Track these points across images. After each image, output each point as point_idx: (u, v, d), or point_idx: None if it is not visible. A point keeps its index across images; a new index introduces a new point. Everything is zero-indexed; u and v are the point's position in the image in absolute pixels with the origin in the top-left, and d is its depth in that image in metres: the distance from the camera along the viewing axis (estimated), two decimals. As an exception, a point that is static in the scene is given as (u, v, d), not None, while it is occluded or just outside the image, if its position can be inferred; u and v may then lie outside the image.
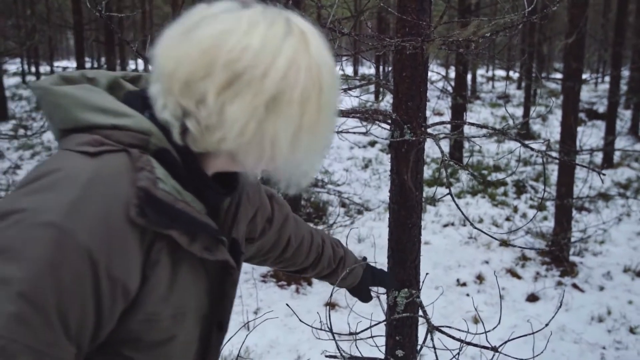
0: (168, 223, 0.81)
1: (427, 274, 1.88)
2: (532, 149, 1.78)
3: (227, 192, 0.98)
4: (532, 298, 4.94)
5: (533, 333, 1.58)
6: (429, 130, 1.88)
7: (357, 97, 2.10)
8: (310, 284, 5.08)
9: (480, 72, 27.90)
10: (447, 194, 1.62)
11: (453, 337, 1.70)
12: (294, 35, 0.83)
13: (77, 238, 0.72)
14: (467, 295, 4.97)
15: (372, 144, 11.52)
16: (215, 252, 0.91)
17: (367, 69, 27.17)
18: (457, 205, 1.60)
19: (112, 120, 0.83)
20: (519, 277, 5.38)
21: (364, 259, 1.73)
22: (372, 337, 1.88)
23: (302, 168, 0.90)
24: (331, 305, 4.36)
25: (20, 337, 0.69)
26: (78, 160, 0.79)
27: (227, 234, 1.03)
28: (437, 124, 1.87)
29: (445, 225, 6.76)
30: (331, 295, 1.59)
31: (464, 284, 5.21)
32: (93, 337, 0.79)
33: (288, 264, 1.49)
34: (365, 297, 1.73)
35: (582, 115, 14.68)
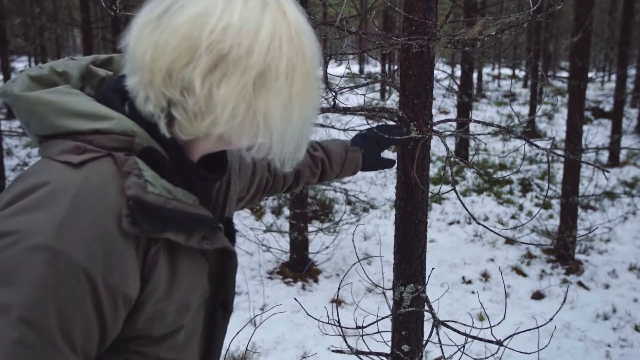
0: (162, 227, 0.80)
1: (432, 269, 1.91)
2: (538, 147, 1.80)
3: (217, 176, 0.96)
4: (538, 296, 4.95)
5: (537, 327, 1.60)
6: (435, 128, 1.91)
7: (363, 95, 2.12)
8: (316, 281, 5.11)
9: (486, 70, 27.85)
10: (451, 189, 1.65)
11: (458, 332, 1.73)
12: (271, 6, 0.80)
13: (71, 258, 0.71)
14: (473, 292, 4.99)
15: (378, 142, 11.51)
16: (214, 240, 0.90)
17: (373, 67, 27.16)
18: (461, 202, 1.62)
19: (93, 124, 0.80)
20: (524, 275, 5.39)
21: (358, 135, 1.70)
22: (378, 332, 1.91)
23: (296, 139, 0.88)
24: (337, 301, 4.40)
25: None
26: (62, 173, 0.77)
27: (220, 215, 1.03)
28: (443, 121, 1.89)
29: (451, 223, 6.78)
30: (338, 291, 1.62)
31: (470, 282, 5.23)
32: (100, 345, 0.79)
33: (271, 192, 1.50)
34: (385, 164, 1.77)
35: (588, 113, 14.65)
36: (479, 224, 1.51)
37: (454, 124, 10.70)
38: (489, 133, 1.97)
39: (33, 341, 0.69)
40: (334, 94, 1.56)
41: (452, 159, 1.70)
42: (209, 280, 0.97)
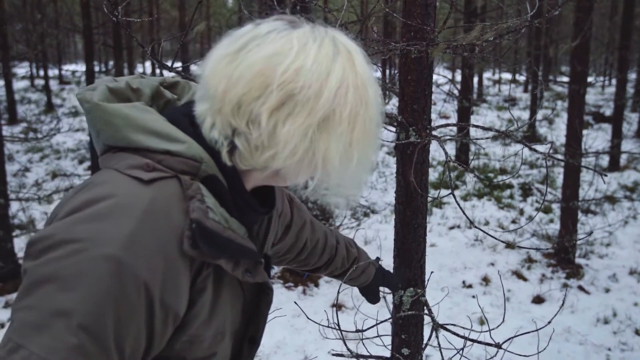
0: (217, 253, 0.82)
1: (432, 272, 1.92)
2: (536, 151, 1.82)
3: (267, 210, 0.99)
4: (538, 300, 4.95)
5: (537, 330, 1.61)
6: (434, 133, 1.92)
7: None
8: (317, 285, 5.12)
9: (487, 75, 27.89)
10: (450, 193, 1.66)
11: (458, 335, 1.74)
12: (342, 54, 0.85)
13: (135, 272, 0.73)
14: (473, 297, 4.99)
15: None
16: (255, 274, 0.93)
17: (373, 72, 27.15)
18: (460, 207, 1.64)
19: (165, 145, 0.83)
20: (524, 279, 5.40)
21: (377, 259, 1.76)
22: (378, 336, 1.92)
23: (354, 182, 0.92)
24: (338, 306, 4.40)
25: None
26: (132, 188, 0.79)
27: (260, 249, 1.06)
28: (442, 126, 1.91)
29: (452, 228, 6.78)
30: (337, 295, 1.63)
31: (470, 286, 5.23)
32: (145, 356, 0.81)
33: (301, 264, 1.53)
34: (374, 298, 1.78)
35: (588, 118, 14.67)
36: (477, 228, 1.52)
37: (455, 128, 10.72)
38: (488, 138, 1.99)
39: (90, 349, 0.70)
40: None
41: (451, 163, 1.71)
42: (243, 313, 0.99)
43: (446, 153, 1.76)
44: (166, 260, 0.77)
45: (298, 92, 0.80)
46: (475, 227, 1.52)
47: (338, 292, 1.63)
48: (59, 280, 0.71)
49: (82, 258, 0.72)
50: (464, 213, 1.55)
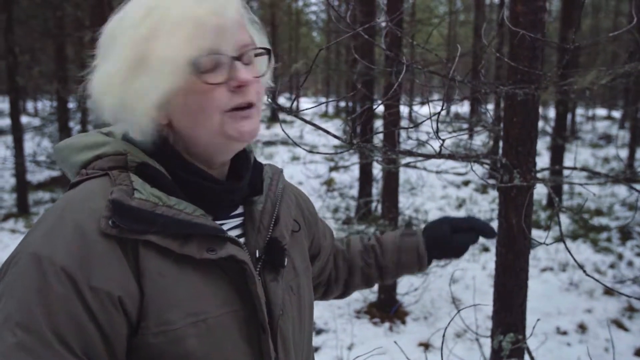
0: (144, 229, 0.82)
1: (538, 319, 1.87)
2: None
3: (232, 187, 0.96)
4: (641, 352, 4.64)
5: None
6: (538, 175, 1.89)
7: (469, 140, 2.14)
8: (404, 322, 5.05)
9: (579, 111, 26.83)
10: (560, 240, 1.62)
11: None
12: None
13: (53, 260, 0.77)
14: (568, 344, 4.75)
15: (466, 183, 11.34)
16: (219, 250, 0.87)
17: (460, 108, 26.77)
18: (572, 255, 1.59)
19: (94, 152, 0.91)
20: (625, 329, 5.08)
21: (408, 224, 1.55)
22: (476, 380, 1.88)
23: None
24: (426, 345, 4.32)
25: None
26: (62, 196, 0.87)
27: (265, 234, 1.00)
28: (548, 169, 1.88)
29: (544, 270, 6.51)
30: (442, 332, 1.62)
31: (565, 333, 4.98)
32: (110, 353, 0.80)
33: (328, 289, 1.40)
34: (457, 252, 1.40)
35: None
36: (592, 278, 1.48)
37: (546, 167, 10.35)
38: (599, 182, 1.93)
39: (29, 343, 0.74)
40: (441, 141, 1.60)
41: (560, 207, 1.68)
42: (240, 299, 0.91)
43: (555, 198, 1.72)
44: (85, 244, 0.79)
45: None
46: (589, 276, 1.47)
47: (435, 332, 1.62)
48: (2, 295, 0.78)
49: (14, 265, 0.79)
50: (577, 262, 1.51)
